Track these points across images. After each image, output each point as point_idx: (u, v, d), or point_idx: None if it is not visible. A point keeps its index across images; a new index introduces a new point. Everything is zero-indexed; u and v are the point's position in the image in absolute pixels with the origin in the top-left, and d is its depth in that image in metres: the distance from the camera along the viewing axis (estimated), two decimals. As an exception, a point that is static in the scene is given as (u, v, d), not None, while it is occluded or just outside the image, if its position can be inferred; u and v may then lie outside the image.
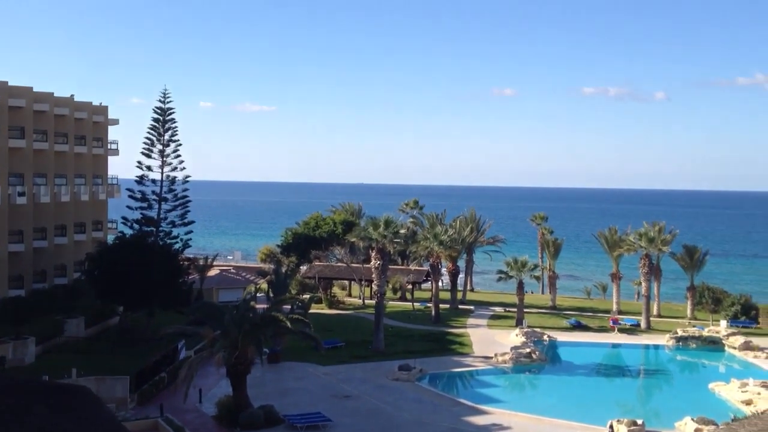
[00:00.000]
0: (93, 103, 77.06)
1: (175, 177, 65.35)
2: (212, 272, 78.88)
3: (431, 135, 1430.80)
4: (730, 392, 48.28)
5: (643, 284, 74.94)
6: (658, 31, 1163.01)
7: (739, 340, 62.76)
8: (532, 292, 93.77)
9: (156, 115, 65.31)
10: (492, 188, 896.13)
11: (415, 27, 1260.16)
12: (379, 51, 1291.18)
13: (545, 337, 64.67)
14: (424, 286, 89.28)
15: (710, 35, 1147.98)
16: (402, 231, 65.16)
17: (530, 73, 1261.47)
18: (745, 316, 74.20)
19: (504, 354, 56.59)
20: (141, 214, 65.00)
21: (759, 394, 46.03)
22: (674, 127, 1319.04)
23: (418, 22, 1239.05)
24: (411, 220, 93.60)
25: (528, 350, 57.77)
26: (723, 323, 70.40)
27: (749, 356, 59.84)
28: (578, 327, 71.15)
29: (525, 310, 71.73)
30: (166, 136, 65.48)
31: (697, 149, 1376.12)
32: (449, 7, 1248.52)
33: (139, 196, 64.79)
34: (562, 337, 66.38)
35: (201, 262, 76.29)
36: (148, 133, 65.63)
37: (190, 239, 66.42)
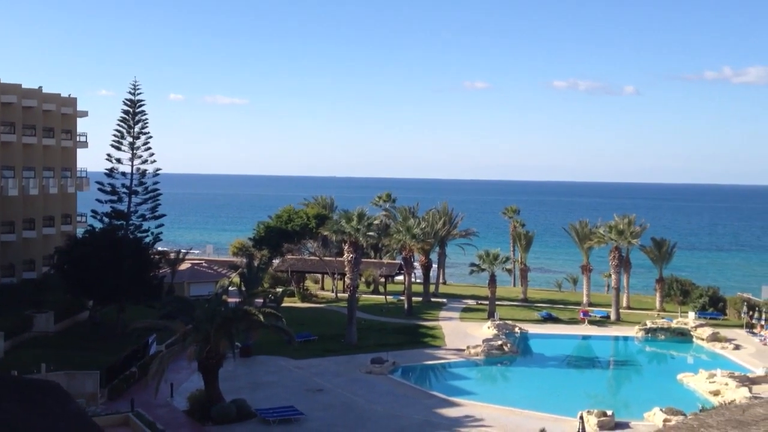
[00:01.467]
0: (61, 95, 76.00)
1: (145, 170, 64.65)
2: (183, 266, 78.29)
3: (404, 128, 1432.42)
4: (698, 383, 49.01)
5: (613, 276, 75.70)
6: (627, 26, 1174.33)
7: (707, 331, 63.69)
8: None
9: (126, 107, 64.51)
10: (464, 181, 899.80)
11: (387, 19, 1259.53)
12: (352, 43, 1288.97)
13: (517, 330, 65.14)
14: (396, 279, 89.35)
15: (679, 30, 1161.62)
16: (375, 223, 65.18)
17: (502, 67, 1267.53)
18: (713, 307, 75.25)
19: (476, 346, 56.92)
20: (111, 207, 64.25)
21: (726, 384, 46.78)
22: (643, 121, 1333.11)
23: (390, 14, 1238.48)
24: (384, 213, 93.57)
25: (500, 342, 58.16)
26: (691, 315, 71.39)
27: (717, 347, 60.76)
28: (549, 319, 71.73)
29: (497, 302, 72.24)
30: (137, 129, 64.74)
31: (665, 142, 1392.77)
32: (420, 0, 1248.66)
33: (108, 189, 64.01)
34: (533, 329, 66.89)
35: (172, 256, 75.68)
36: (118, 125, 64.85)
37: (161, 233, 65.80)
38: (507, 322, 66.80)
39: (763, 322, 66.66)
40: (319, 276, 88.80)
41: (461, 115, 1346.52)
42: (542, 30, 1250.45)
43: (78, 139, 78.74)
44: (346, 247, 62.80)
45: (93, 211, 66.13)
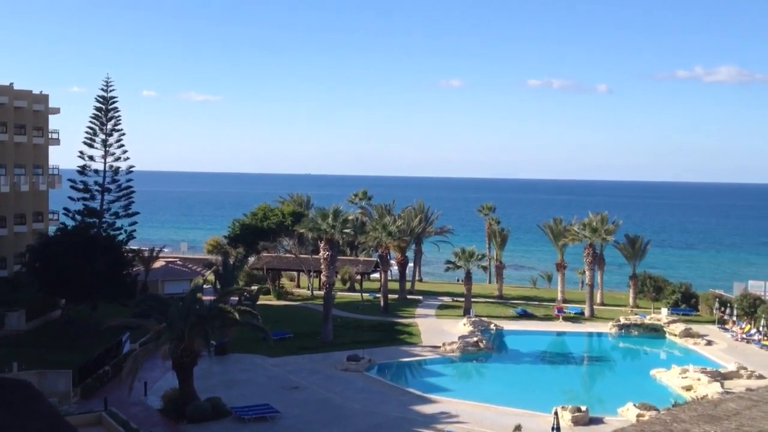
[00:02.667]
0: (33, 92, 75.00)
1: (118, 167, 64.15)
2: (157, 264, 77.72)
3: (379, 126, 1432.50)
4: (670, 378, 49.51)
5: (587, 273, 76.26)
6: (601, 26, 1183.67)
7: (680, 327, 64.39)
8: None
9: (98, 104, 63.95)
10: (440, 179, 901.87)
11: (362, 18, 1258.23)
12: (327, 42, 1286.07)
13: (492, 326, 65.42)
14: (372, 276, 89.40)
15: (651, 29, 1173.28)
16: (351, 220, 65.09)
17: (478, 65, 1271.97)
18: (686, 304, 76.13)
19: (452, 343, 57.09)
20: (83, 205, 63.65)
21: (699, 380, 47.31)
22: (616, 119, 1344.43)
23: (365, 14, 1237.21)
24: (360, 210, 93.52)
25: (475, 339, 58.37)
26: (664, 311, 72.13)
27: (689, 343, 61.43)
28: (524, 316, 72.12)
29: (472, 299, 72.50)
30: (109, 126, 64.19)
31: (637, 140, 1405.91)
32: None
33: (81, 186, 63.40)
34: (508, 325, 67.21)
35: (146, 254, 75.09)
36: (91, 122, 64.24)
37: (135, 230, 65.33)
38: (482, 318, 67.06)
39: (734, 318, 67.53)
40: (295, 273, 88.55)
41: (437, 113, 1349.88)
42: (517, 29, 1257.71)
43: (50, 137, 77.73)
44: (321, 245, 62.68)
45: (65, 208, 65.43)
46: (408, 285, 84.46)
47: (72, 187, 63.78)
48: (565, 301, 79.24)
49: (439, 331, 63.14)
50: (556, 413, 36.45)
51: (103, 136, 64.02)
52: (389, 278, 77.21)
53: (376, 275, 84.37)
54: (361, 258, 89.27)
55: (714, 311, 71.05)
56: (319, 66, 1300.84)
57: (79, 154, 63.96)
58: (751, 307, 66.44)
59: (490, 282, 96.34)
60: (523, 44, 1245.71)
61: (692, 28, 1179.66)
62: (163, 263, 79.73)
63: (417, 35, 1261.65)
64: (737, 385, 45.45)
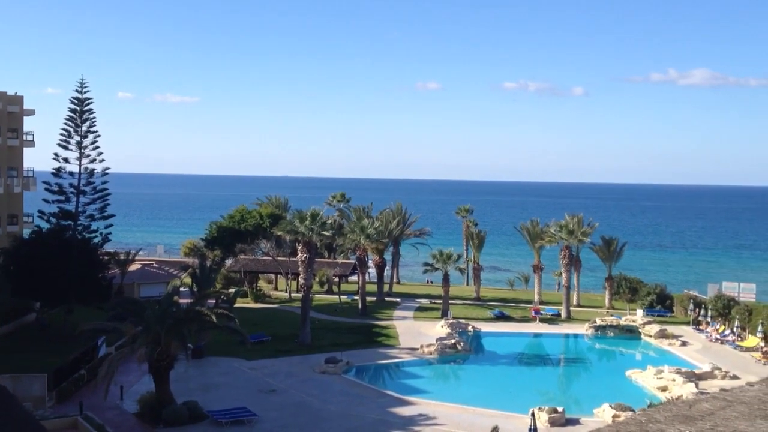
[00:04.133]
0: (7, 93, 74.12)
1: (93, 169, 63.51)
2: (133, 267, 77.06)
3: (356, 128, 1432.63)
4: (646, 379, 49.96)
5: (564, 275, 76.75)
6: (576, 28, 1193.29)
7: (655, 328, 65.00)
8: (431, 282, 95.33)
9: (73, 106, 63.30)
10: (417, 181, 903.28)
11: (339, 20, 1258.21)
12: (304, 43, 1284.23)
13: (470, 328, 65.63)
14: (350, 278, 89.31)
15: (626, 33, 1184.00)
16: (329, 223, 65.07)
17: (454, 68, 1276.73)
18: (661, 305, 76.86)
19: (429, 345, 57.20)
20: (58, 207, 62.96)
21: (674, 380, 47.78)
22: (591, 122, 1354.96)
23: (342, 16, 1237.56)
24: (338, 213, 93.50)
25: (453, 341, 58.55)
26: (639, 312, 72.75)
27: (664, 344, 62.03)
28: (501, 317, 72.44)
29: (450, 301, 72.69)
30: (84, 127, 63.56)
31: (612, 143, 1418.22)
32: (372, 0, 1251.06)
33: (56, 188, 62.72)
34: (486, 327, 67.47)
35: (122, 257, 74.48)
36: (65, 124, 63.56)
37: (110, 233, 64.74)
38: (460, 320, 67.27)
39: (709, 319, 68.30)
40: (273, 276, 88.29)
41: (414, 116, 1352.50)
42: (493, 32, 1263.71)
43: (24, 138, 76.76)
44: (299, 247, 62.56)
45: (40, 211, 64.69)
46: (386, 287, 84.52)
47: (47, 189, 63.08)
48: (541, 302, 79.68)
49: (416, 333, 63.25)
50: (533, 414, 36.66)
51: (78, 138, 63.39)
52: (367, 280, 77.23)
53: (354, 278, 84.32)
54: (339, 260, 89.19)
55: (689, 312, 71.81)
56: (296, 69, 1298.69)
57: (54, 156, 63.29)
58: (725, 308, 67.25)
59: (467, 284, 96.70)
60: (499, 47, 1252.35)
61: (666, 31, 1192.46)
62: (140, 266, 79.10)
63: (393, 38, 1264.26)
64: (712, 386, 46.02)
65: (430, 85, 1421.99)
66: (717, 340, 63.10)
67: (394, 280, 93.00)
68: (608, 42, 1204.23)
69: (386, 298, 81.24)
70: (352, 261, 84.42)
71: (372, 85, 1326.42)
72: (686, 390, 44.07)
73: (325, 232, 63.73)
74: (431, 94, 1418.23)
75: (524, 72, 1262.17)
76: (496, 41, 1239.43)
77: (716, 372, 50.71)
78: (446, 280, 71.79)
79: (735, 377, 49.78)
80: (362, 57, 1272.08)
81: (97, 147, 64.03)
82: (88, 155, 63.67)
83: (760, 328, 59.55)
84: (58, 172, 63.26)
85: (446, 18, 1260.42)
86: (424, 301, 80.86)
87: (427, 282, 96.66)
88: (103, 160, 64.17)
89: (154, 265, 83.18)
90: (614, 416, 38.83)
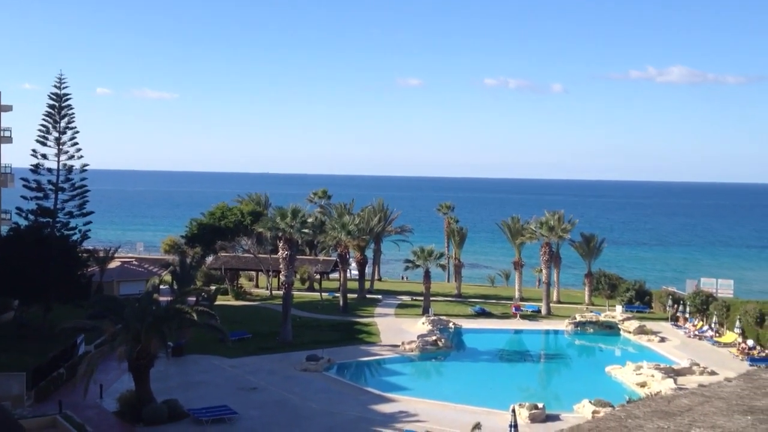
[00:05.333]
0: (-17, 88, 73.23)
1: (72, 165, 62.90)
2: (113, 264, 76.57)
3: (338, 125, 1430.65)
4: (625, 375, 50.34)
5: (544, 271, 77.14)
6: (555, 25, 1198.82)
7: (634, 324, 65.50)
8: (406, 279, 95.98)
9: (51, 101, 62.67)
10: (398, 178, 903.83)
11: (320, 16, 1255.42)
12: (284, 40, 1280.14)
13: (451, 325, 65.81)
14: (332, 276, 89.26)
15: (605, 30, 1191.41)
16: (310, 220, 64.94)
17: (435, 64, 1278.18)
18: (639, 301, 77.43)
19: (411, 342, 57.29)
20: (36, 204, 62.32)
21: (652, 376, 48.18)
22: (571, 119, 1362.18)
23: (322, 12, 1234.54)
24: (319, 209, 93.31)
25: (434, 338, 58.66)
26: (618, 308, 73.32)
27: (643, 340, 62.53)
28: (482, 314, 72.67)
29: (431, 298, 72.81)
30: (63, 123, 62.95)
31: (592, 140, 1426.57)
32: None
33: (34, 185, 62.07)
34: (467, 324, 67.68)
35: (101, 254, 73.92)
36: (44, 120, 62.90)
37: (89, 230, 64.18)
38: (441, 317, 67.41)
39: (687, 315, 68.91)
40: (254, 273, 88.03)
41: (395, 112, 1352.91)
42: (474, 28, 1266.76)
43: (2, 134, 75.81)
44: (280, 244, 62.40)
45: (18, 208, 63.99)
46: (367, 284, 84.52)
47: (25, 186, 62.42)
48: (522, 299, 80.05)
49: (398, 330, 63.30)
50: (513, 411, 36.79)
51: (57, 134, 62.76)
52: (348, 278, 77.18)
53: (336, 275, 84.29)
54: (321, 257, 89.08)
55: (667, 308, 72.42)
56: (276, 65, 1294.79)
57: (32, 153, 62.61)
58: (703, 304, 67.88)
59: (448, 281, 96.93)
60: (480, 43, 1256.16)
61: (644, 29, 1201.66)
62: (119, 263, 78.60)
63: (374, 33, 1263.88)
64: (690, 381, 46.39)
65: (411, 81, 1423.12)
66: (695, 335, 63.68)
67: (376, 277, 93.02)
68: (587, 39, 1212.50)
69: (367, 295, 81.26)
70: (334, 258, 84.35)
71: (353, 81, 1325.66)
72: (665, 386, 44.44)
73: (306, 229, 63.61)
74: (412, 91, 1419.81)
75: (504, 69, 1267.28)
76: (476, 37, 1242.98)
77: (694, 368, 51.18)
78: (427, 276, 71.88)
79: (713, 373, 50.26)
80: (343, 53, 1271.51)
81: (76, 143, 63.46)
82: (67, 151, 63.09)
83: (737, 323, 60.18)
84: (36, 169, 62.62)
85: (427, 14, 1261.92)
86: (406, 298, 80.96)
87: (402, 278, 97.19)
88: (81, 156, 63.60)
89: (134, 262, 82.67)
90: (594, 412, 39.07)
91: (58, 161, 62.91)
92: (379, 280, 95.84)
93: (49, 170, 62.88)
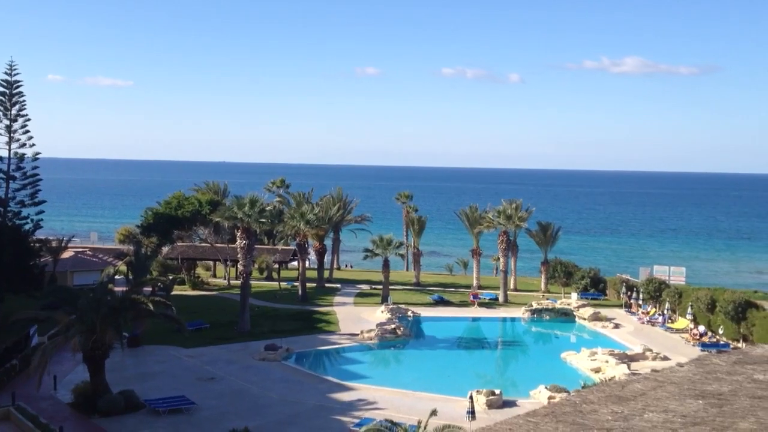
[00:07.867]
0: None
1: (23, 154, 61.84)
2: (66, 254, 75.29)
3: (296, 113, 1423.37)
4: (580, 361, 51.19)
5: (501, 260, 77.87)
6: (512, 15, 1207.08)
7: (589, 311, 66.57)
8: (350, 265, 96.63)
9: (1, 89, 61.37)
10: (357, 167, 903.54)
11: (278, 5, 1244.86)
12: (243, 29, 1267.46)
13: (409, 313, 66.15)
14: (290, 265, 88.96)
15: (560, 21, 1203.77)
16: (268, 209, 64.58)
17: (393, 53, 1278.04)
18: (594, 288, 78.69)
19: (370, 331, 57.46)
20: (-14, 193, 61.06)
21: (607, 362, 49.07)
22: (528, 108, 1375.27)
23: (281, 1, 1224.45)
24: (278, 199, 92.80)
25: (393, 326, 58.92)
26: (574, 296, 74.40)
27: (598, 326, 63.60)
28: (441, 302, 73.15)
29: (390, 287, 73.01)
30: (14, 111, 61.72)
31: (548, 129, 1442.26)
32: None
33: (-16, 174, 60.80)
34: (425, 312, 68.09)
35: (54, 244, 72.64)
36: (-6, 107, 61.60)
37: (42, 219, 63.17)
38: (400, 306, 67.71)
39: (640, 302, 70.21)
40: (211, 263, 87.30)
41: (353, 101, 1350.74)
42: (431, 18, 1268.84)
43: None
44: (238, 234, 62.01)
45: (-33, 197, 62.63)
46: (326, 273, 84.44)
47: (-26, 174, 61.10)
48: (480, 287, 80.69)
49: (357, 319, 63.42)
50: (471, 397, 37.20)
51: (7, 122, 61.54)
52: (307, 267, 77.01)
53: (294, 264, 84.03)
54: (279, 247, 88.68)
55: (621, 295, 73.72)
56: (233, 52, 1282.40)
57: (-18, 141, 61.28)
58: (656, 292, 69.23)
59: (407, 269, 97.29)
60: (438, 33, 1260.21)
61: (599, 20, 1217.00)
62: (72, 253, 77.29)
63: (333, 22, 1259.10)
64: (643, 367, 47.39)
65: (368, 70, 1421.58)
66: (648, 322, 64.95)
67: (335, 266, 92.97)
68: (543, 30, 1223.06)
69: (326, 284, 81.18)
70: (292, 247, 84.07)
71: (311, 70, 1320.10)
72: (619, 371, 45.29)
73: (264, 219, 63.26)
74: (370, 80, 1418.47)
75: (462, 59, 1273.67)
76: (434, 27, 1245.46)
77: (648, 353, 52.25)
78: (386, 265, 72.01)
79: (666, 358, 51.34)
80: (301, 40, 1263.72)
81: (27, 131, 62.34)
82: (18, 140, 61.94)
83: (689, 310, 61.52)
84: (-15, 157, 61.30)
85: (384, 3, 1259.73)
86: (365, 287, 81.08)
87: (346, 266, 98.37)
88: (33, 144, 62.57)
89: (88, 252, 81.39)
90: (550, 397, 39.64)
91: (9, 149, 61.72)
92: (338, 269, 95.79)
93: (0, 159, 61.63)
